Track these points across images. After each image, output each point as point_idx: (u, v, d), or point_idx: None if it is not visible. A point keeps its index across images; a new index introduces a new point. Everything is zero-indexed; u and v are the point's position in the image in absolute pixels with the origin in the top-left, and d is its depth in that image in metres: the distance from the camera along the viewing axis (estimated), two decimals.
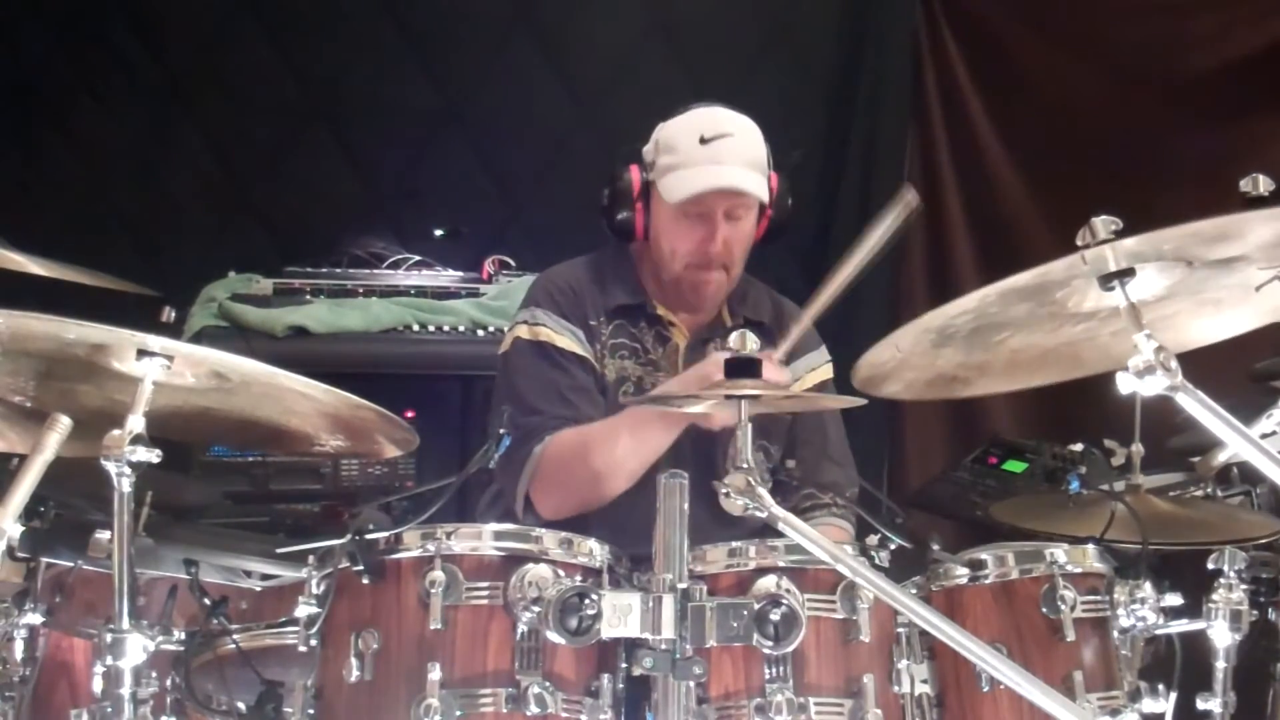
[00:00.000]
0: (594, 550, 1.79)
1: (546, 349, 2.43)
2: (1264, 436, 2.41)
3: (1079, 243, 1.45)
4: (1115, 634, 1.88)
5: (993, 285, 1.50)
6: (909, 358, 1.72)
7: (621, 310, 2.50)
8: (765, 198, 2.43)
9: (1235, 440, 1.45)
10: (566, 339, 2.44)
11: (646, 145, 2.49)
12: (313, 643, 1.77)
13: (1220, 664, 1.99)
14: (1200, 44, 3.71)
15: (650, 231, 2.48)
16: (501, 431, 1.89)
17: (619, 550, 1.82)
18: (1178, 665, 1.98)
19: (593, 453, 2.29)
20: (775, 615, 1.68)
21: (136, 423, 1.62)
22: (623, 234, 2.50)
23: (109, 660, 1.67)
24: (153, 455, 1.63)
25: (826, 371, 2.59)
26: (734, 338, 1.70)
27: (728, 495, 1.62)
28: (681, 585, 1.64)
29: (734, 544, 1.79)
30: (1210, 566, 1.99)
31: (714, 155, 2.38)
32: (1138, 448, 2.37)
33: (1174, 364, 1.40)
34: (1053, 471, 3.01)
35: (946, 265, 4.11)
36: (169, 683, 1.88)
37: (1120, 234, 1.44)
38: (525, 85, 4.19)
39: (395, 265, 3.80)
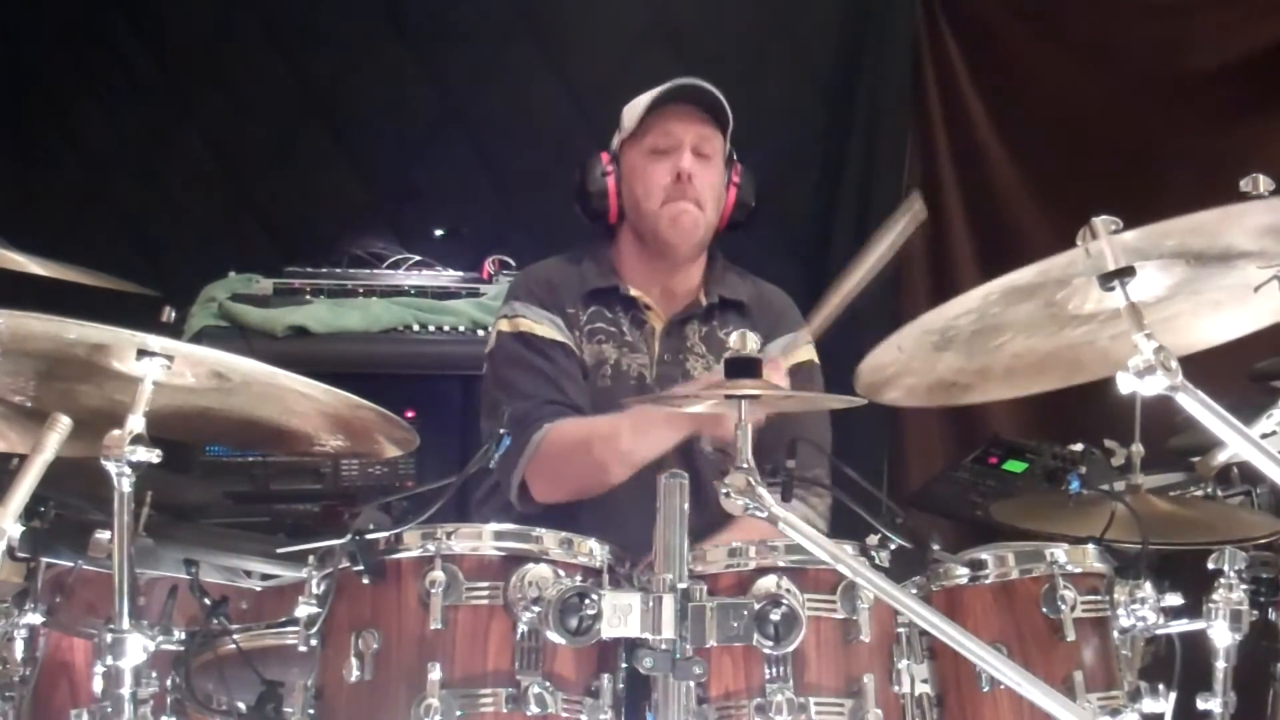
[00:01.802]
0: (594, 550, 1.78)
1: (528, 338, 2.49)
2: (1264, 436, 2.41)
3: (1079, 243, 1.45)
4: (1115, 634, 1.88)
5: (995, 281, 1.50)
6: (910, 363, 1.72)
7: (597, 295, 2.55)
8: (728, 113, 2.51)
9: (1235, 440, 1.45)
10: (546, 327, 2.50)
11: (615, 137, 2.60)
12: (313, 643, 1.77)
13: (1220, 664, 1.99)
14: (1200, 44, 3.71)
15: (625, 192, 2.55)
16: (502, 431, 1.89)
17: (616, 547, 1.82)
18: (1178, 665, 1.98)
19: (595, 446, 2.34)
20: (775, 615, 1.68)
21: (136, 423, 1.62)
22: (597, 215, 2.57)
23: (109, 660, 1.67)
24: (153, 455, 1.63)
25: (808, 351, 2.60)
26: (734, 338, 1.70)
27: (728, 495, 1.62)
28: (681, 585, 1.64)
29: (734, 544, 1.79)
30: (1210, 566, 1.99)
31: (671, 89, 2.50)
32: (1138, 448, 2.37)
33: (1174, 364, 1.40)
34: (1053, 471, 3.01)
35: (946, 265, 4.11)
36: (169, 683, 1.88)
37: (1120, 234, 1.44)
38: (525, 85, 4.19)
39: (395, 265, 3.80)
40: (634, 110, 2.54)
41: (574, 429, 2.37)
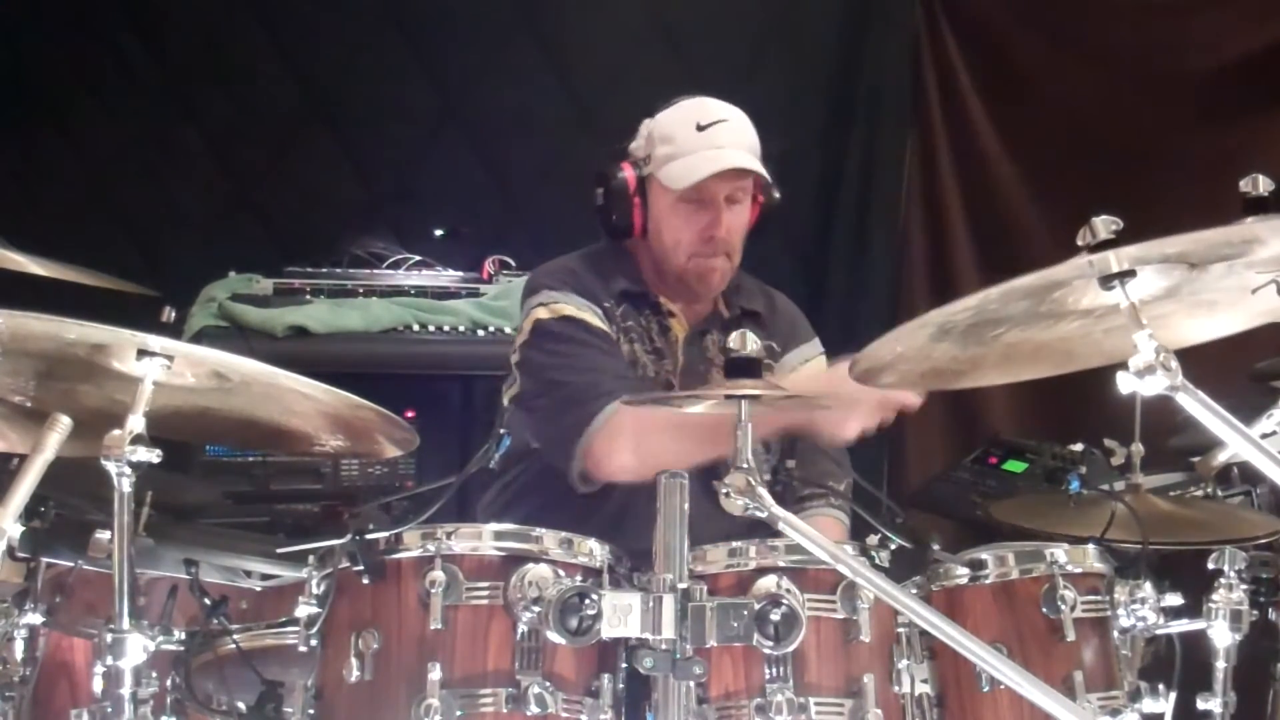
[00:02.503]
0: (594, 550, 1.78)
1: (573, 321, 2.38)
2: (1264, 436, 2.41)
3: (1080, 242, 1.45)
4: (1115, 634, 1.88)
5: (995, 287, 1.50)
6: (905, 351, 1.73)
7: (627, 296, 2.49)
8: (768, 176, 2.44)
9: (1235, 440, 1.45)
10: (589, 314, 2.40)
11: (634, 142, 2.49)
12: (313, 643, 1.77)
13: (1220, 664, 1.99)
14: (1200, 44, 3.71)
15: (650, 226, 2.47)
16: (502, 431, 1.89)
17: (619, 548, 1.82)
18: (1178, 665, 1.98)
19: (683, 424, 2.13)
20: (775, 615, 1.68)
21: (136, 423, 1.62)
22: (620, 232, 2.49)
23: (109, 660, 1.67)
24: (153, 455, 1.62)
25: (820, 363, 2.59)
26: (734, 337, 1.70)
27: (728, 495, 1.62)
28: (681, 585, 1.64)
29: (734, 544, 1.79)
30: (1210, 566, 1.99)
31: (713, 140, 2.40)
32: (1138, 447, 2.37)
33: (1174, 364, 1.40)
34: (1053, 471, 3.01)
35: (946, 265, 4.11)
36: (169, 683, 1.88)
37: (1120, 234, 1.44)
38: (525, 85, 4.19)
39: (395, 265, 3.80)
40: (669, 155, 2.41)
41: (654, 410, 2.22)
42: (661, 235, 2.46)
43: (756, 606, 1.68)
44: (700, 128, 2.41)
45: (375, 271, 3.77)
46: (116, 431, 1.62)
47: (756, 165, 2.41)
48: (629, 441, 2.22)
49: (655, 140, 2.45)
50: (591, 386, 2.28)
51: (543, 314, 2.40)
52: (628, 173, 2.45)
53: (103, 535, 2.03)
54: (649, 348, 2.49)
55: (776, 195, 2.51)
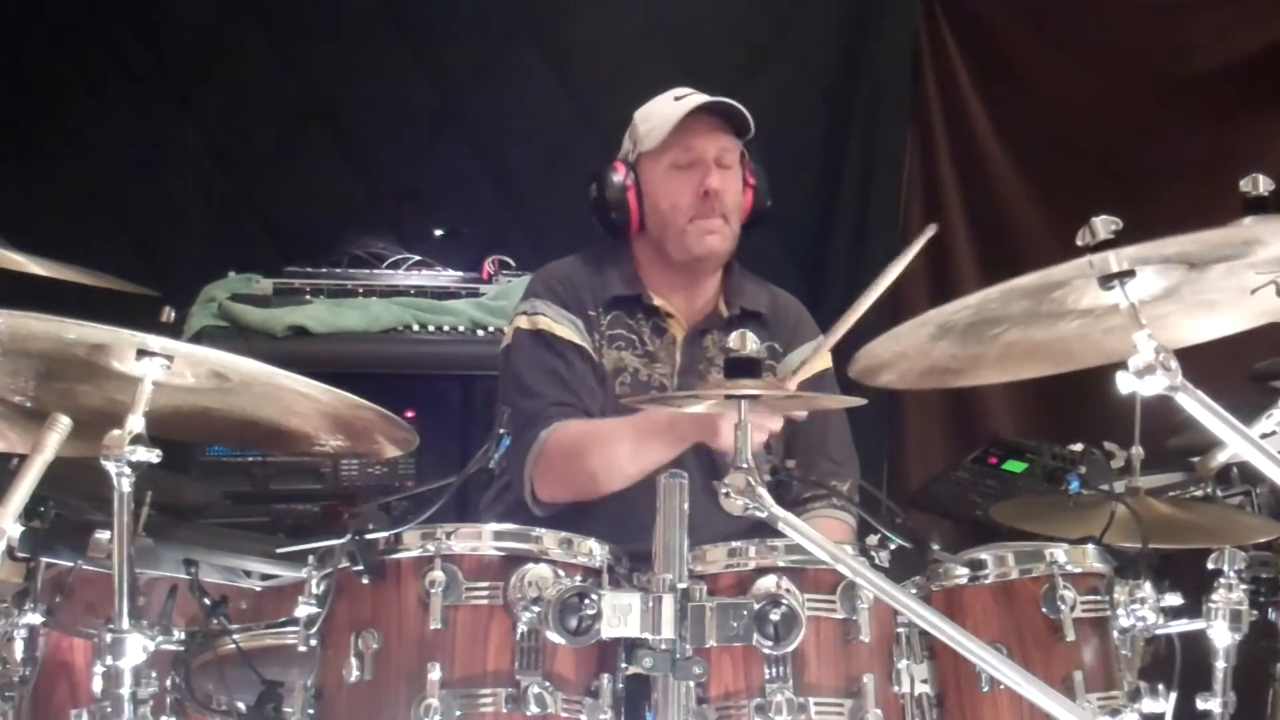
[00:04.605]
0: (594, 550, 1.79)
1: (545, 337, 2.46)
2: (1264, 436, 2.41)
3: (1079, 242, 1.45)
4: (1115, 634, 1.88)
5: (994, 287, 1.50)
6: (905, 349, 1.73)
7: (619, 301, 2.53)
8: (749, 120, 2.48)
9: (1235, 440, 1.45)
10: (565, 328, 2.47)
11: (623, 146, 2.56)
12: (313, 643, 1.77)
13: (1220, 664, 1.99)
14: (1200, 44, 3.71)
15: (647, 206, 2.51)
16: (501, 431, 1.89)
17: (619, 548, 1.82)
18: (1178, 665, 1.98)
19: (593, 452, 2.31)
20: (775, 615, 1.68)
21: (136, 423, 1.62)
22: (618, 229, 2.53)
23: (109, 660, 1.67)
24: (153, 455, 1.63)
25: (825, 361, 2.60)
26: (734, 338, 1.70)
27: (728, 495, 1.62)
28: (681, 585, 1.64)
29: (734, 544, 1.79)
30: (1210, 566, 1.99)
31: (689, 102, 2.48)
32: (1138, 450, 2.37)
33: (1174, 364, 1.40)
34: (1053, 472, 3.01)
35: (946, 265, 4.10)
36: (169, 683, 1.88)
37: (1120, 234, 1.44)
38: (525, 85, 4.20)
39: (395, 265, 3.80)
40: (652, 125, 2.49)
41: (577, 430, 2.35)
42: (659, 205, 2.50)
43: (756, 606, 1.68)
44: (677, 98, 2.50)
45: (375, 271, 3.77)
46: (116, 431, 1.62)
47: (731, 101, 2.46)
48: (556, 467, 2.33)
49: (637, 123, 2.53)
50: (534, 414, 2.36)
51: (523, 323, 2.50)
52: (619, 170, 2.52)
53: (103, 535, 2.03)
54: (640, 352, 2.50)
55: (767, 184, 2.56)
